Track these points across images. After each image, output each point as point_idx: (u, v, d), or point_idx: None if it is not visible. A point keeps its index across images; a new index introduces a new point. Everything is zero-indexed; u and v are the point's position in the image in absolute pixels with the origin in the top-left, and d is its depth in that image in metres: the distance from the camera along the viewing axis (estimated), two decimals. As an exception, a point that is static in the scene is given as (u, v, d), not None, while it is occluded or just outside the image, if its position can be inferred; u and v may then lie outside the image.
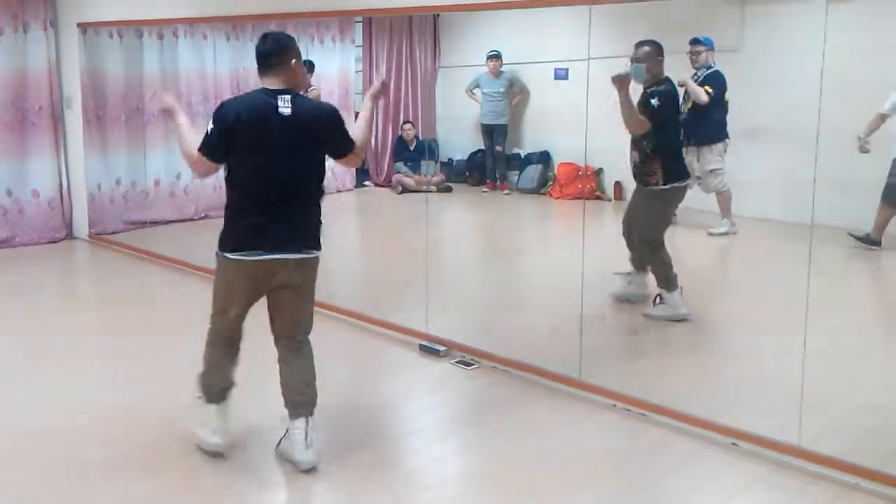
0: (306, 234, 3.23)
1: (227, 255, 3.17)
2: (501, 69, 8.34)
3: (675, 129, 4.79)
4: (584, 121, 4.67)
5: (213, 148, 3.13)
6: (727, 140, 5.60)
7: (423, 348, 4.57)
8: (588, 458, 3.42)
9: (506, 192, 8.56)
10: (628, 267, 5.04)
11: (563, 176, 8.20)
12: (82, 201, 7.25)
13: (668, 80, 4.75)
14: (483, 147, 8.69)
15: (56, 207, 7.25)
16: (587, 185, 7.65)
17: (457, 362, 4.41)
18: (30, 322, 5.22)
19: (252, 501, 3.13)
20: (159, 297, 5.79)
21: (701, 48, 5.33)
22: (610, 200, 7.79)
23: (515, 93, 8.47)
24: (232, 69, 7.76)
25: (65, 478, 3.24)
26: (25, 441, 3.53)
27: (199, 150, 3.16)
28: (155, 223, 7.51)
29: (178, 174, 7.67)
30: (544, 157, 8.46)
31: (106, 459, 3.39)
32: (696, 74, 5.44)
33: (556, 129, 8.21)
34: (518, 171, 8.60)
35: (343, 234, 7.92)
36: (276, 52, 3.16)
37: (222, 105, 3.18)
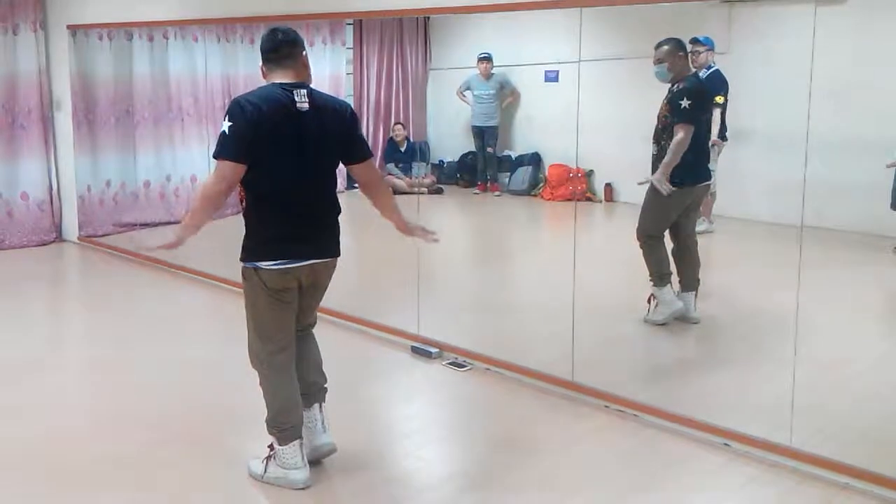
0: (337, 232, 3.17)
1: (268, 265, 2.99)
2: (492, 71, 8.36)
3: (697, 129, 4.62)
4: (574, 123, 4.68)
5: (237, 148, 2.86)
6: (724, 142, 5.60)
7: (415, 350, 4.57)
8: (580, 460, 3.43)
9: (497, 193, 8.57)
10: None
11: (553, 177, 8.22)
12: (72, 203, 7.22)
13: (694, 75, 4.73)
14: (474, 149, 8.70)
15: (45, 210, 7.22)
16: (578, 186, 7.67)
17: (449, 364, 4.41)
18: (18, 324, 5.19)
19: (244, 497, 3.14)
20: (149, 300, 5.77)
21: (701, 48, 5.33)
22: (601, 202, 7.82)
23: (506, 95, 8.48)
24: (223, 72, 7.76)
25: (56, 479, 3.22)
26: (15, 442, 3.52)
27: (221, 156, 2.86)
28: (145, 225, 7.48)
29: (167, 176, 7.66)
30: (535, 159, 8.48)
31: (97, 460, 3.37)
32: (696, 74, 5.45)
33: (547, 131, 8.24)
34: (509, 173, 8.62)
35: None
36: (287, 43, 3.02)
37: (237, 101, 2.93)
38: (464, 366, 4.38)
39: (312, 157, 3.01)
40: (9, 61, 6.91)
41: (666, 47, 4.64)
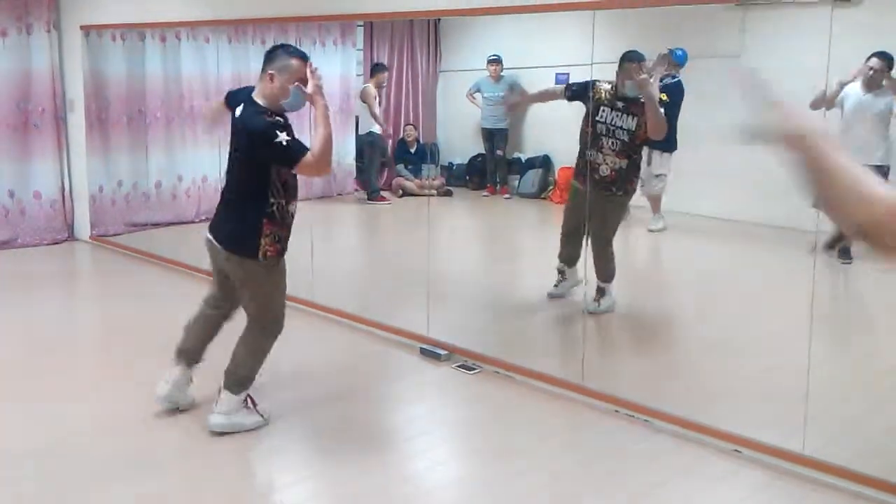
0: (229, 232, 3.47)
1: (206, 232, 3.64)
2: (502, 73, 8.35)
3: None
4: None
5: None
6: (670, 152, 5.68)
7: (424, 352, 4.57)
8: (590, 464, 3.42)
9: (506, 196, 8.55)
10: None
11: (563, 180, 8.19)
12: (84, 203, 7.25)
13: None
14: (483, 151, 8.69)
15: (58, 209, 7.26)
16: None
17: (458, 366, 4.41)
18: (31, 323, 5.21)
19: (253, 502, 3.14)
20: (160, 299, 5.78)
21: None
22: (610, 205, 7.78)
23: (516, 97, 8.45)
24: (234, 72, 7.77)
25: (67, 477, 3.23)
26: (27, 436, 3.53)
27: None
28: (156, 225, 7.51)
29: (179, 176, 7.68)
30: (545, 162, 8.46)
31: (111, 457, 3.38)
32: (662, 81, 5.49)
33: (557, 134, 8.21)
34: (519, 176, 8.59)
35: (344, 238, 7.93)
36: (267, 59, 3.44)
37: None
38: (473, 368, 4.37)
39: (231, 156, 3.49)
40: (22, 61, 6.95)
41: (628, 64, 4.80)
